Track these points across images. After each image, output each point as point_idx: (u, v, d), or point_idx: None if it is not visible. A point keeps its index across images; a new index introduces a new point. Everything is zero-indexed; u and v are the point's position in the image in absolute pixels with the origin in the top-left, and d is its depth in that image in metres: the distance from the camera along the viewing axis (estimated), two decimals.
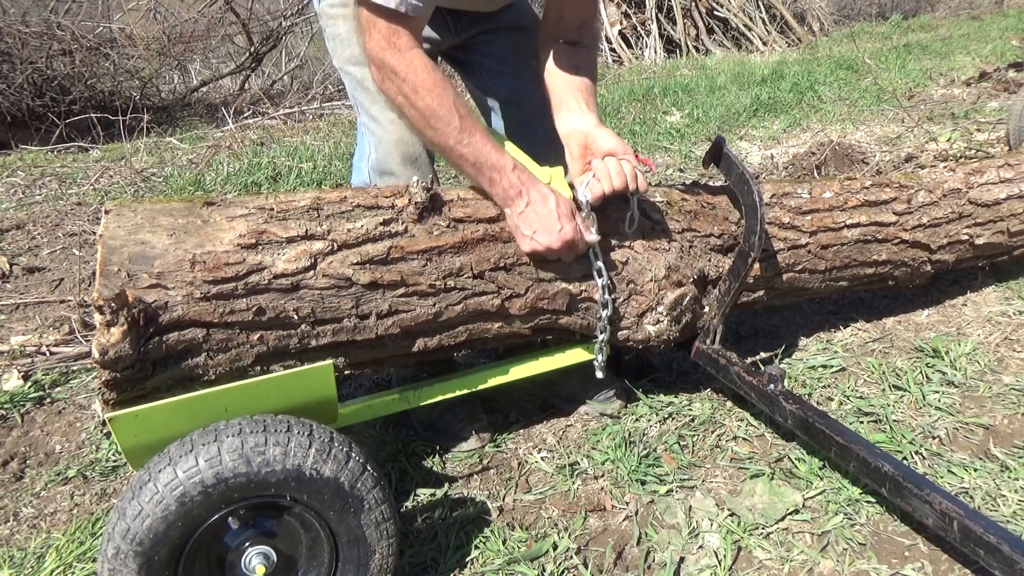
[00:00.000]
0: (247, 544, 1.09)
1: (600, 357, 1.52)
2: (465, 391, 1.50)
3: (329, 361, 1.18)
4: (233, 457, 1.01)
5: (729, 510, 1.42)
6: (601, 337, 1.48)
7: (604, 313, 1.45)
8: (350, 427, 1.69)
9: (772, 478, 1.49)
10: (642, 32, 8.32)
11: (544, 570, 1.30)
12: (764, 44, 8.36)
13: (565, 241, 1.36)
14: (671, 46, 8.46)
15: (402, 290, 1.28)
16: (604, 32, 8.04)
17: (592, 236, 1.41)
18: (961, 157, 3.38)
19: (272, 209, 1.24)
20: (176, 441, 1.04)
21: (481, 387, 1.51)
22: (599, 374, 1.53)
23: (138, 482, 1.01)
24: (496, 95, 1.75)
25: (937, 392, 1.73)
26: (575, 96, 1.52)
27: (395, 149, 1.55)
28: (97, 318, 1.06)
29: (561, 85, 1.54)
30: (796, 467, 1.51)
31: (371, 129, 1.58)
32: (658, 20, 8.48)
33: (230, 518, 1.06)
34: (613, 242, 1.48)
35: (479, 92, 1.80)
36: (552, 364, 1.55)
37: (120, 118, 4.80)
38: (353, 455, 1.09)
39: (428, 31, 1.60)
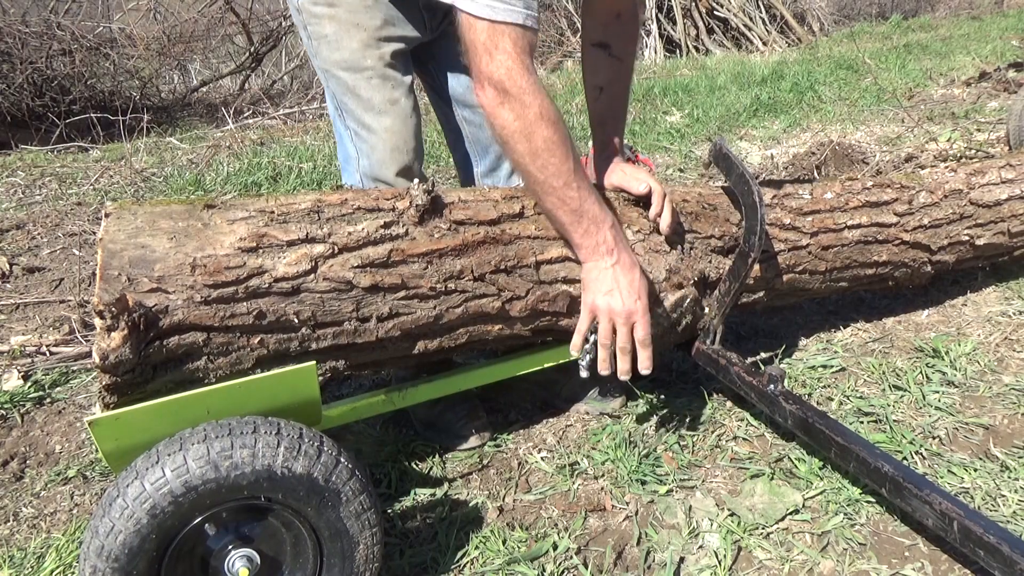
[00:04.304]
0: (229, 548, 1.08)
1: (587, 358, 1.45)
2: (453, 391, 1.50)
3: (312, 362, 1.16)
4: (200, 464, 1.00)
5: (729, 510, 1.42)
6: (592, 338, 1.46)
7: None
8: (350, 428, 1.70)
9: (772, 478, 1.49)
10: (642, 32, 8.31)
11: (544, 570, 1.30)
12: (764, 44, 8.36)
13: (631, 312, 1.33)
14: (671, 46, 8.47)
15: (403, 293, 1.28)
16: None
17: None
18: (961, 157, 3.37)
19: (273, 212, 1.23)
20: (143, 453, 1.02)
21: (469, 386, 1.50)
22: (583, 374, 1.46)
23: (107, 499, 0.99)
24: (453, 93, 1.65)
25: (937, 392, 1.73)
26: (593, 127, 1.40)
27: (390, 158, 1.51)
28: (98, 323, 1.06)
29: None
30: (796, 467, 1.51)
31: (362, 136, 1.53)
32: (658, 20, 8.48)
33: (206, 524, 1.05)
34: None
35: (432, 93, 1.71)
36: (541, 362, 1.54)
37: (120, 118, 4.80)
38: (325, 449, 1.08)
39: (405, 28, 1.51)
